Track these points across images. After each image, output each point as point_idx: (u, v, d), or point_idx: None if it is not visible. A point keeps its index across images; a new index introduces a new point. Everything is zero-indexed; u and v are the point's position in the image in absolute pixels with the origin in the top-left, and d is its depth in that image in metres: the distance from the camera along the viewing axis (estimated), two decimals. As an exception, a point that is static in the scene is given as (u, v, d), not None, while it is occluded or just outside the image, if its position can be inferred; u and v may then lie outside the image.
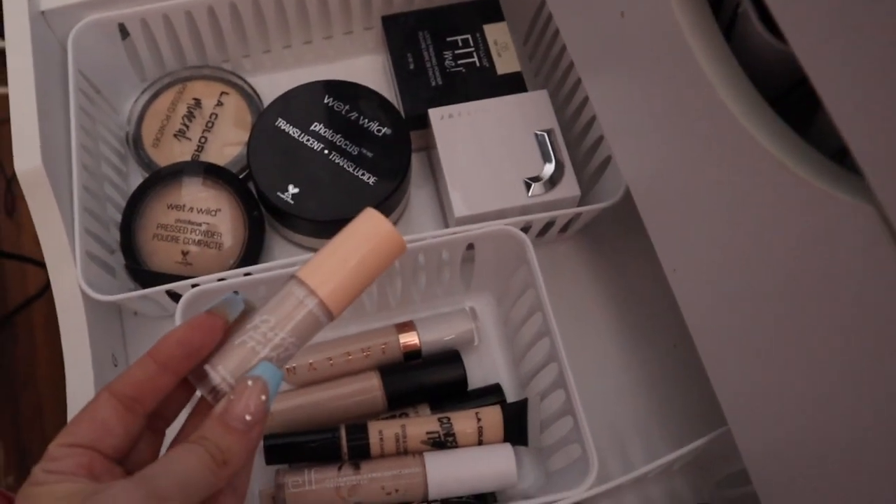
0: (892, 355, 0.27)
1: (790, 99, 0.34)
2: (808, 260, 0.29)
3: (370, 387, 0.48)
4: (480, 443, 0.45)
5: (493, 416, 0.45)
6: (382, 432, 0.44)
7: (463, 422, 0.45)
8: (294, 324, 0.30)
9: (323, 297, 0.30)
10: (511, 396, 0.50)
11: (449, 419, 0.45)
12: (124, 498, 0.26)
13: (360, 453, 0.44)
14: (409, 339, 0.50)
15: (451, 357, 0.49)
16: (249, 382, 0.28)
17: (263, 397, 0.28)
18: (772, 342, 0.34)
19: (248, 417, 0.28)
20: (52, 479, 0.27)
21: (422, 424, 0.45)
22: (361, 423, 0.45)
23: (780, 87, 0.34)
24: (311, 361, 0.48)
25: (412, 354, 0.50)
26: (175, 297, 0.48)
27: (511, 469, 0.44)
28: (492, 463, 0.45)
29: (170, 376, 0.29)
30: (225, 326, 0.29)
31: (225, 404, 0.28)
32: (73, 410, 0.44)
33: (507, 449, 0.45)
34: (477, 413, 0.45)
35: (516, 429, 0.45)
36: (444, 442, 0.44)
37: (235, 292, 0.31)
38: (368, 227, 0.31)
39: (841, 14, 0.24)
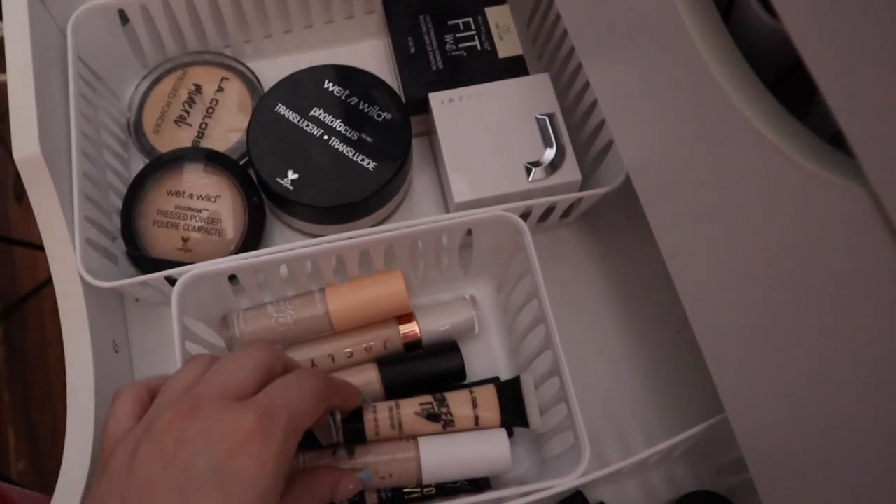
0: (885, 338, 0.26)
1: (792, 81, 0.33)
2: (802, 243, 0.29)
3: (368, 378, 0.47)
4: (477, 419, 0.44)
5: (487, 395, 0.45)
6: (376, 409, 0.43)
7: (458, 398, 0.44)
8: (306, 321, 0.44)
9: (331, 311, 0.46)
10: (510, 383, 0.50)
11: (443, 395, 0.44)
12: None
13: (356, 438, 0.43)
14: (410, 329, 0.49)
15: (448, 347, 0.49)
16: (350, 486, 0.39)
17: (354, 492, 0.40)
18: (766, 326, 0.33)
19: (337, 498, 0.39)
20: None
21: (415, 399, 0.44)
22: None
23: (781, 68, 0.34)
24: (312, 358, 0.48)
25: (413, 345, 0.49)
26: (174, 283, 0.48)
27: (505, 454, 0.43)
28: (486, 448, 0.44)
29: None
30: None
31: (335, 476, 0.39)
32: (72, 395, 0.45)
33: (502, 434, 0.44)
34: (471, 391, 0.45)
35: (513, 408, 0.44)
36: (438, 413, 0.44)
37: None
38: (391, 280, 0.47)
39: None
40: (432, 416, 0.44)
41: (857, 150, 0.24)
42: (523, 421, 0.45)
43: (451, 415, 0.44)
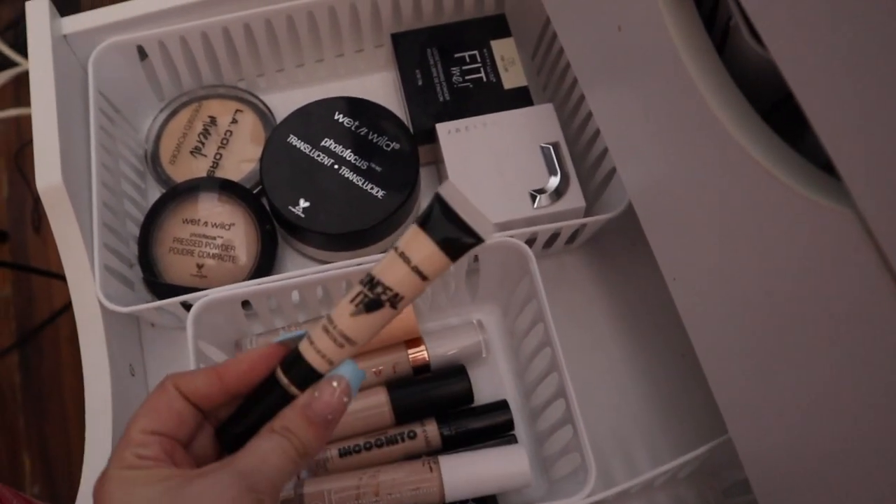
0: (879, 358, 0.27)
1: (786, 109, 0.35)
2: (797, 266, 0.30)
3: (378, 401, 0.48)
4: (419, 272, 0.31)
5: (414, 240, 0.31)
6: (313, 338, 0.32)
7: (387, 266, 0.32)
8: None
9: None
10: (516, 407, 0.51)
11: (370, 274, 0.32)
12: (223, 489, 0.28)
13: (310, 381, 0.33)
14: (418, 353, 0.50)
15: (456, 371, 0.50)
16: (335, 384, 0.30)
17: (346, 399, 0.30)
18: (766, 349, 0.34)
19: (329, 417, 0.30)
20: (145, 464, 0.29)
21: (346, 299, 0.32)
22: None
23: (775, 97, 0.35)
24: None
25: (421, 369, 0.50)
26: (189, 308, 0.50)
27: (525, 468, 0.45)
28: (505, 464, 0.45)
29: (227, 396, 0.32)
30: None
31: (308, 400, 0.30)
32: (91, 418, 0.46)
33: (520, 450, 0.46)
34: (396, 247, 0.32)
35: (453, 230, 0.31)
36: (376, 299, 0.32)
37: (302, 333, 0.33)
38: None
39: (814, 16, 0.24)
40: (372, 306, 0.32)
41: (843, 174, 0.25)
42: (473, 236, 0.31)
43: (390, 289, 0.32)
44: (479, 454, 0.46)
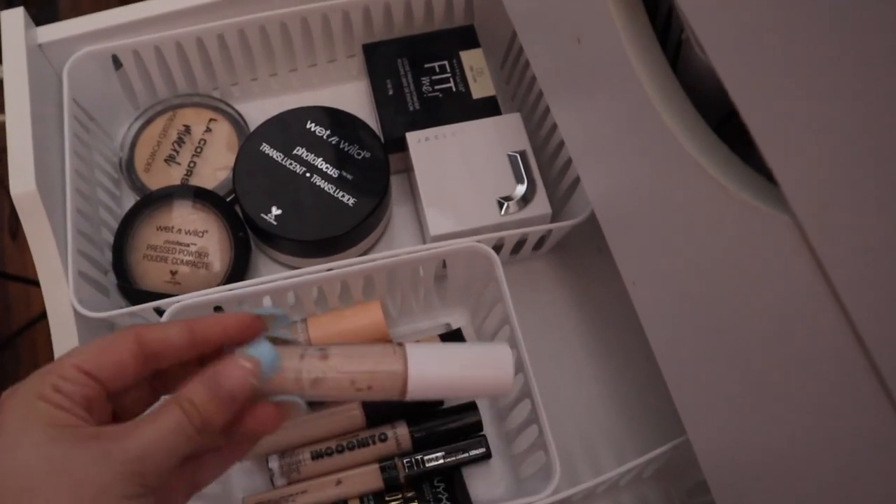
0: (818, 361, 0.28)
1: (737, 120, 0.36)
2: (741, 271, 0.31)
3: (350, 405, 0.49)
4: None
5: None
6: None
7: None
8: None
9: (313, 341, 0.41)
10: (485, 408, 0.52)
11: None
12: (107, 469, 0.26)
13: None
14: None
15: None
16: (243, 361, 0.29)
17: (252, 379, 0.29)
18: (715, 352, 0.35)
19: (235, 394, 0.29)
20: (56, 400, 0.27)
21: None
22: None
23: (726, 109, 0.36)
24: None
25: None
26: (162, 314, 0.50)
27: (508, 372, 0.33)
28: (485, 363, 0.34)
29: (194, 352, 0.30)
30: (262, 334, 0.31)
31: (214, 372, 0.29)
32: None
33: (504, 348, 0.34)
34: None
35: None
36: None
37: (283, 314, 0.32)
38: (370, 310, 0.48)
39: (749, 24, 0.25)
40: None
41: (779, 178, 0.26)
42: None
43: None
44: (456, 346, 0.36)
